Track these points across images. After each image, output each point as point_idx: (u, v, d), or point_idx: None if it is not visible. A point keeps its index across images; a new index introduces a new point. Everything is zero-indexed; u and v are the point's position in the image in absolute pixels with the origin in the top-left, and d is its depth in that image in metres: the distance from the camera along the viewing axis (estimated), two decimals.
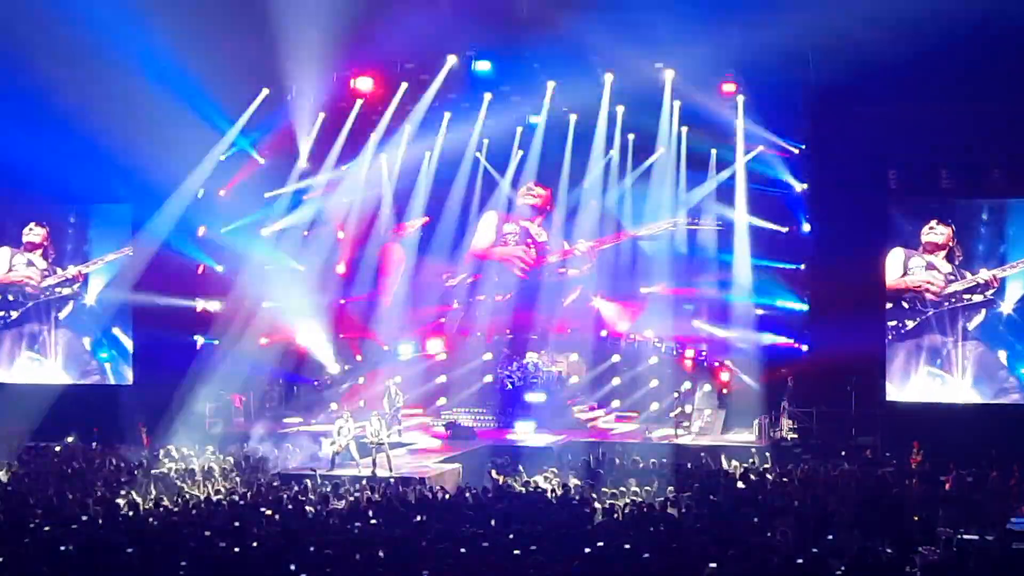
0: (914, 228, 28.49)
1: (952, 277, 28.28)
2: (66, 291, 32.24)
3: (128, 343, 31.99)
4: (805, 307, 30.76)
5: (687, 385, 30.83)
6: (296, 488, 21.69)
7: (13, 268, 32.44)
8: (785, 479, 22.48)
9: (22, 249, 32.38)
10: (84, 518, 18.07)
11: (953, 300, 28.29)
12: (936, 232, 28.35)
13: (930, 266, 28.40)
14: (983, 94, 26.98)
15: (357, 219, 33.74)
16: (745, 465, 24.15)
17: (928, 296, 28.39)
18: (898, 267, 28.57)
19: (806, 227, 30.98)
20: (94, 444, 27.93)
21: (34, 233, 32.31)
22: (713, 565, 14.11)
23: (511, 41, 28.15)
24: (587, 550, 15.11)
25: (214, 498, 20.44)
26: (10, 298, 32.49)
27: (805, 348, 30.41)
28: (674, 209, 32.49)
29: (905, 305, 28.46)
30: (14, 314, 32.47)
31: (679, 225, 32.54)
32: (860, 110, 28.15)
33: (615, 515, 18.52)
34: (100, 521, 17.98)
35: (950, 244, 28.30)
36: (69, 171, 30.65)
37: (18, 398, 30.52)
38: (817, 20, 25.50)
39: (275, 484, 22.23)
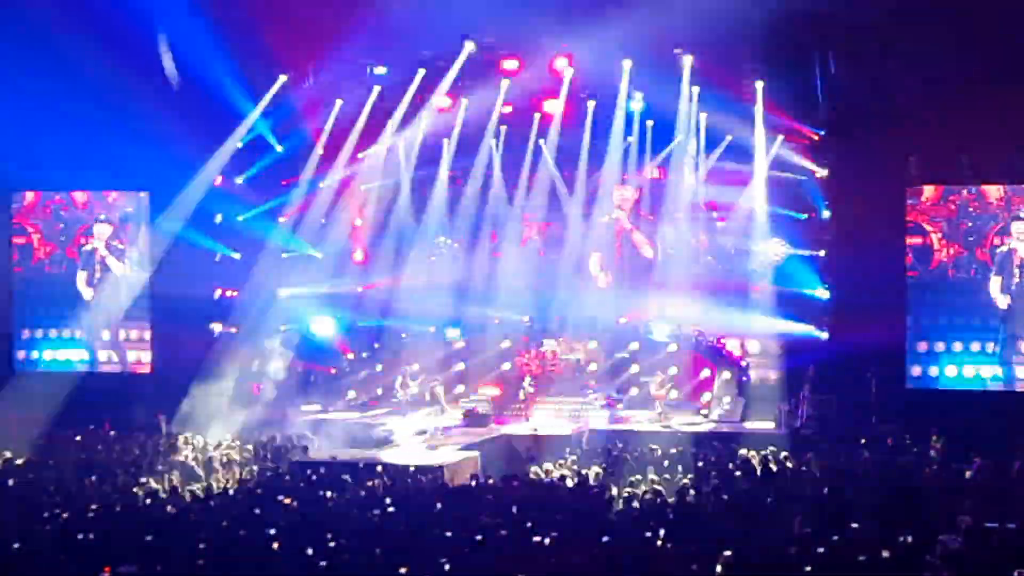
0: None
1: None
2: None
3: (147, 332, 32.11)
4: (826, 294, 30.61)
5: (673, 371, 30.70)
6: (314, 476, 21.65)
7: None
8: (804, 467, 22.34)
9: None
10: (101, 506, 18.08)
11: None
12: None
13: None
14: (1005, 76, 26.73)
15: (375, 206, 33.73)
16: (763, 453, 24.01)
17: None
18: None
19: (826, 214, 30.81)
20: (112, 432, 28.00)
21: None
22: (728, 553, 14.01)
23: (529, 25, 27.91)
24: (605, 539, 15.04)
25: (233, 487, 20.44)
26: None
27: (825, 336, 30.21)
28: (694, 196, 32.38)
29: None
30: None
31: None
32: (880, 95, 27.92)
33: (633, 504, 18.43)
34: (118, 509, 17.98)
35: None
36: (85, 156, 30.77)
37: (40, 384, 30.68)
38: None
39: (293, 472, 22.22)
